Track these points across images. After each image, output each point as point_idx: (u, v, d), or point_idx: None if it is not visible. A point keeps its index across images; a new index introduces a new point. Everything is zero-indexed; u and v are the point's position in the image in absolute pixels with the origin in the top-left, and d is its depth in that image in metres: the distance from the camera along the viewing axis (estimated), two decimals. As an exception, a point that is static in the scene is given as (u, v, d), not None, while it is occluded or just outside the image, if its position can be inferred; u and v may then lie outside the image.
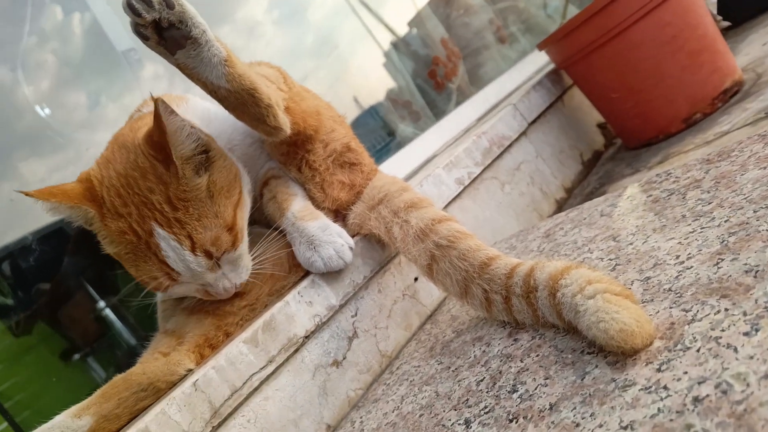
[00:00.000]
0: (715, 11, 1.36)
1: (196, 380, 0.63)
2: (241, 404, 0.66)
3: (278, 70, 0.87)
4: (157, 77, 1.65)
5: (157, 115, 0.65)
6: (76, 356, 1.37)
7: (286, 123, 0.76)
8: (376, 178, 0.94)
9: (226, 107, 0.71)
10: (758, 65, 1.27)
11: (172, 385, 0.69)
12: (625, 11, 1.19)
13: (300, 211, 0.81)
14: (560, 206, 1.35)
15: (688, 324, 0.44)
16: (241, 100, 0.69)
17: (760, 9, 1.57)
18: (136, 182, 0.69)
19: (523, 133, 1.36)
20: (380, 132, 2.10)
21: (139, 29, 0.61)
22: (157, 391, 0.69)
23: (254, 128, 0.76)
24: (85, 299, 1.40)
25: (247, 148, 0.90)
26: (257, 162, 0.92)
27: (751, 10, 1.54)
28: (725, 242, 0.51)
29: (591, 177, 1.44)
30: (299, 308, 0.76)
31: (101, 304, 1.41)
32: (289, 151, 0.86)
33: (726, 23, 1.37)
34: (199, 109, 0.85)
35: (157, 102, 0.64)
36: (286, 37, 2.02)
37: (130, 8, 0.59)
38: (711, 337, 0.40)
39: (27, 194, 0.67)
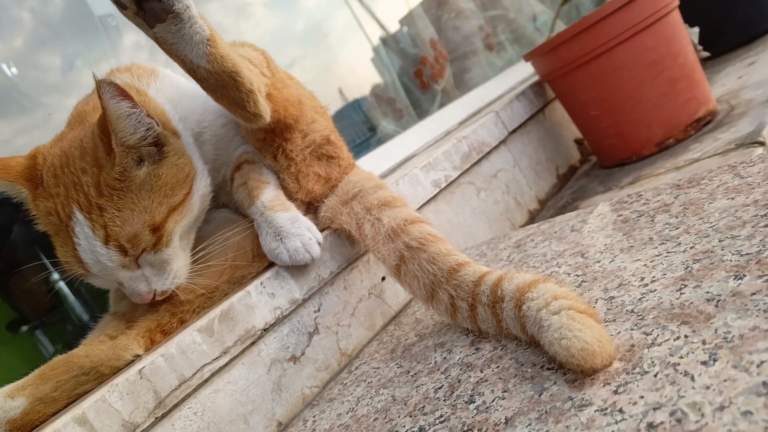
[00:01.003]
0: (696, 41, 1.39)
1: (143, 368, 0.60)
2: (188, 395, 0.64)
3: (262, 53, 0.84)
4: (138, 47, 1.59)
5: (100, 99, 0.62)
6: (24, 328, 1.32)
7: (266, 110, 0.74)
8: (353, 173, 0.92)
9: (204, 88, 0.68)
10: (732, 97, 1.30)
11: (117, 370, 0.66)
12: (610, 32, 1.20)
13: (270, 201, 0.79)
14: (533, 217, 1.36)
15: (648, 348, 0.44)
16: (221, 83, 0.66)
17: (740, 42, 1.62)
18: (73, 161, 0.66)
19: (503, 142, 1.37)
20: (361, 126, 2.09)
21: None
22: (100, 376, 0.65)
23: (232, 113, 0.73)
24: (37, 270, 1.35)
25: (219, 129, 0.87)
26: (230, 144, 0.89)
27: (731, 42, 1.59)
28: (689, 268, 0.51)
29: (565, 191, 1.45)
30: (260, 299, 0.74)
31: (55, 276, 1.36)
32: (266, 137, 0.84)
33: (706, 54, 1.41)
34: (168, 86, 0.81)
35: (100, 85, 0.61)
36: (275, 21, 1.98)
37: None
38: (669, 363, 0.41)
39: None
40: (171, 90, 0.81)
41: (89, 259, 0.66)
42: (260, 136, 0.84)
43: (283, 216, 0.77)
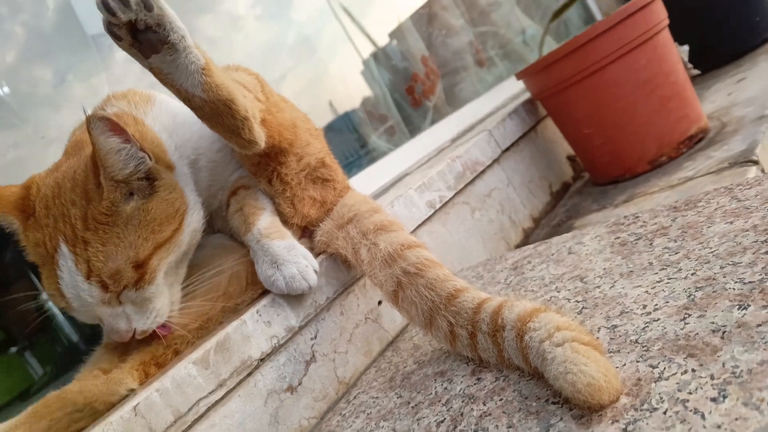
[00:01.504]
0: (687, 59, 1.41)
1: (137, 404, 0.59)
2: None
3: (256, 77, 0.84)
4: (130, 61, 1.59)
5: (89, 134, 0.61)
6: (13, 349, 1.29)
7: (261, 137, 0.73)
8: (348, 196, 0.91)
9: (199, 116, 0.68)
10: (723, 114, 1.31)
11: (112, 406, 0.64)
12: (602, 51, 1.21)
13: (266, 228, 0.78)
14: (527, 236, 1.36)
15: (655, 382, 0.43)
16: (216, 111, 0.66)
17: (729, 58, 1.64)
18: (65, 193, 0.65)
19: (496, 160, 1.37)
20: (352, 139, 2.09)
21: (111, 28, 0.57)
22: (94, 413, 0.64)
23: (227, 140, 0.73)
24: (27, 289, 1.33)
25: (215, 154, 0.86)
26: (226, 170, 0.89)
27: (720, 59, 1.61)
28: (692, 296, 0.51)
29: (558, 209, 1.46)
30: (257, 328, 0.73)
31: (44, 296, 1.34)
32: (260, 162, 0.83)
33: (696, 71, 1.43)
34: (164, 114, 0.81)
35: (89, 121, 0.60)
36: (267, 34, 1.99)
37: (104, 6, 0.55)
38: (678, 399, 0.40)
39: None
40: (167, 117, 0.80)
41: (70, 293, 0.65)
42: (255, 160, 0.83)
43: (279, 244, 0.76)
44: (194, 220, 0.74)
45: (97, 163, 0.64)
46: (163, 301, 0.70)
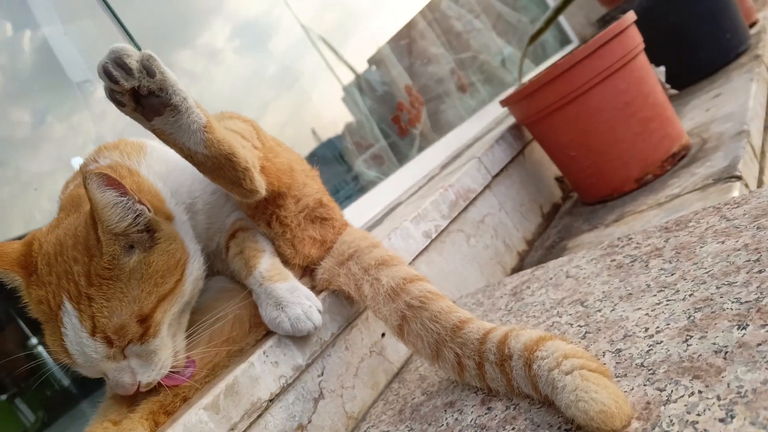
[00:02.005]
0: (663, 79, 1.46)
1: (152, 453, 0.59)
2: (199, 478, 0.62)
3: (251, 123, 0.85)
4: (105, 100, 1.60)
5: (85, 189, 0.62)
6: (3, 396, 1.27)
7: (261, 185, 0.75)
8: (346, 233, 0.93)
9: (201, 171, 0.69)
10: (703, 131, 1.36)
11: None
12: (582, 77, 1.25)
13: (268, 271, 0.79)
14: (522, 259, 1.38)
15: (664, 405, 0.44)
16: (219, 165, 0.67)
17: (703, 76, 1.70)
18: (66, 250, 0.65)
19: (488, 186, 1.40)
20: (337, 165, 2.11)
21: (114, 96, 0.58)
22: None
23: (229, 191, 0.74)
24: (14, 334, 1.31)
25: (210, 196, 0.87)
26: (222, 211, 0.90)
27: (695, 77, 1.67)
28: (692, 318, 0.53)
29: (550, 230, 1.48)
30: (264, 369, 0.73)
31: (33, 340, 1.32)
32: (258, 205, 0.84)
33: (674, 91, 1.48)
34: (157, 162, 0.81)
35: (85, 177, 0.61)
36: (246, 66, 2.02)
37: (107, 74, 0.56)
38: (688, 421, 0.41)
39: None
40: (160, 165, 0.81)
41: (75, 350, 0.64)
42: (252, 204, 0.84)
43: (282, 286, 0.77)
44: (195, 268, 0.75)
45: (94, 219, 0.64)
46: (167, 352, 0.70)
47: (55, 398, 1.32)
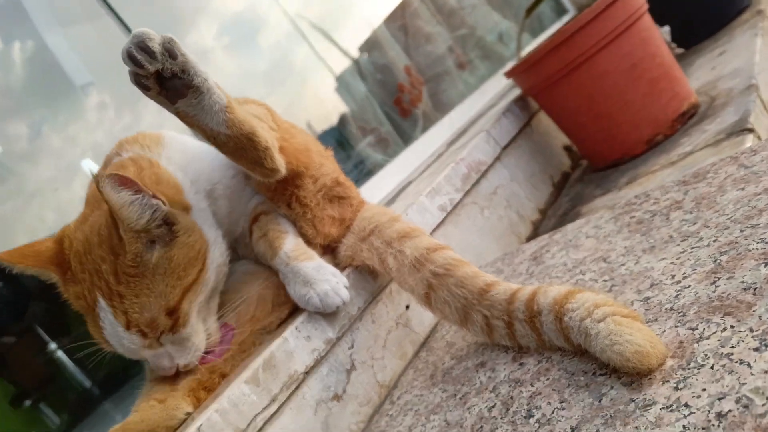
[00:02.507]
0: (669, 39, 1.46)
1: (200, 425, 0.61)
2: (246, 447, 0.65)
3: (266, 107, 0.87)
4: (102, 106, 1.62)
5: (100, 192, 0.64)
6: (27, 402, 1.29)
7: (282, 164, 0.76)
8: (365, 209, 0.94)
9: (223, 152, 0.71)
10: (711, 89, 1.36)
11: (173, 430, 0.67)
12: (587, 42, 1.25)
13: (293, 251, 0.81)
14: (536, 228, 1.39)
15: (697, 342, 0.46)
16: (240, 145, 0.69)
17: (707, 34, 1.70)
18: (94, 249, 0.68)
19: (498, 158, 1.41)
20: (337, 156, 2.13)
21: (140, 80, 0.60)
22: None
23: (251, 171, 0.75)
24: (34, 341, 1.34)
25: (230, 181, 0.88)
26: (243, 195, 0.91)
27: (699, 35, 1.66)
28: (718, 261, 0.54)
29: (562, 198, 1.49)
30: (298, 344, 0.75)
31: (52, 345, 1.35)
32: (277, 187, 0.85)
33: (680, 50, 1.47)
34: (176, 152, 0.83)
35: (98, 181, 0.63)
36: (237, 64, 2.02)
37: (131, 59, 0.57)
38: (722, 353, 0.43)
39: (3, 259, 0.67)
40: (179, 155, 0.83)
41: (114, 341, 0.69)
42: (272, 186, 0.86)
43: (308, 265, 0.79)
44: (217, 255, 0.77)
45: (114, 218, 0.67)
46: (200, 336, 0.74)
47: (78, 400, 1.35)
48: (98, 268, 0.67)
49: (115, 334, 0.68)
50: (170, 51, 0.58)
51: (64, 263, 0.71)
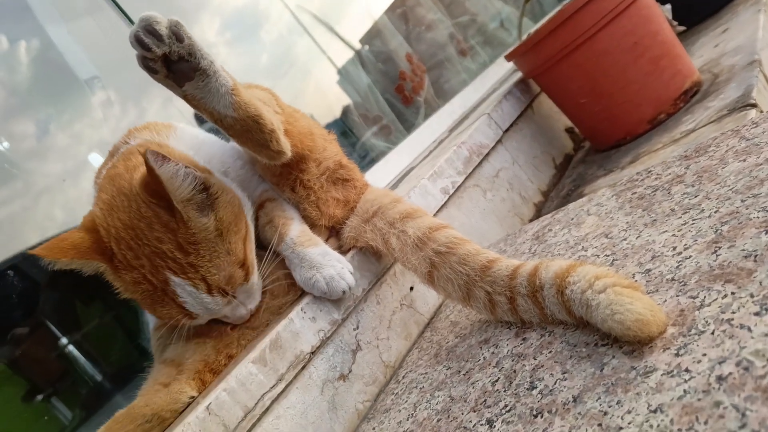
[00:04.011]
0: (670, 17, 1.44)
1: (209, 404, 0.62)
2: (254, 425, 0.66)
3: (270, 92, 0.87)
4: (108, 103, 1.62)
5: (149, 169, 0.65)
6: (39, 397, 1.31)
7: (287, 146, 0.77)
8: (368, 192, 0.95)
9: (230, 135, 0.71)
10: (713, 66, 1.35)
11: (177, 413, 0.68)
12: (587, 21, 1.24)
13: (299, 237, 0.81)
14: (539, 209, 1.39)
15: (698, 309, 0.46)
16: (246, 127, 0.69)
17: (710, 12, 1.68)
18: (144, 233, 0.68)
19: (499, 141, 1.40)
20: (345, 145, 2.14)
21: (147, 63, 0.60)
22: (162, 421, 0.68)
23: (257, 153, 0.76)
24: (45, 336, 1.35)
25: (239, 170, 0.90)
26: (251, 183, 0.92)
27: (701, 13, 1.65)
28: (719, 231, 0.54)
29: (565, 180, 1.49)
30: (303, 324, 0.76)
31: (63, 340, 1.36)
32: (282, 172, 0.86)
33: (681, 28, 1.46)
34: (187, 138, 0.85)
35: (146, 156, 0.64)
36: (240, 58, 2.02)
37: (139, 43, 0.58)
38: (723, 319, 0.43)
39: (37, 254, 0.66)
40: (189, 138, 0.85)
41: (198, 309, 0.71)
42: (277, 171, 0.86)
43: (314, 251, 0.79)
44: (248, 208, 0.81)
45: (158, 194, 0.68)
46: (260, 281, 0.79)
47: (89, 395, 1.36)
48: (158, 250, 0.68)
49: (200, 302, 0.70)
50: (177, 34, 0.59)
51: (107, 251, 0.70)
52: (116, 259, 0.69)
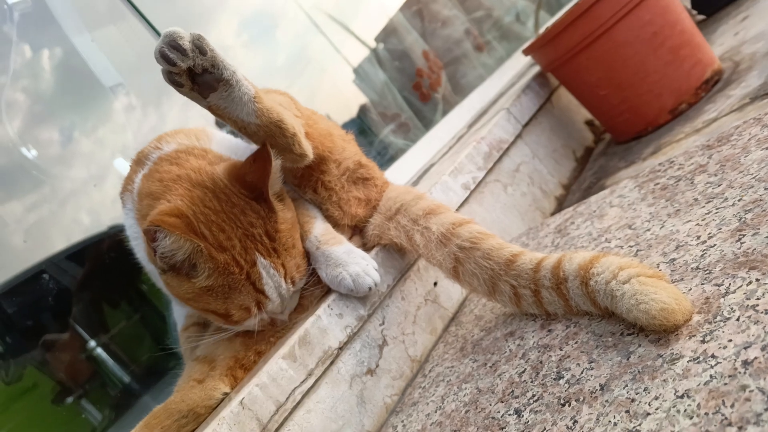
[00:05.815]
0: (689, 6, 1.42)
1: (243, 399, 0.64)
2: (286, 419, 0.68)
3: (288, 96, 0.89)
4: (130, 108, 1.66)
5: (264, 162, 0.73)
6: (70, 399, 1.35)
7: (309, 149, 0.79)
8: (389, 189, 0.96)
9: (254, 141, 0.74)
10: (734, 54, 1.33)
11: (211, 409, 0.71)
12: (605, 13, 1.24)
13: (323, 235, 0.83)
14: (560, 203, 1.39)
15: (723, 297, 0.47)
16: (270, 133, 0.72)
17: (728, 0, 1.65)
18: (238, 218, 0.73)
19: (519, 136, 1.40)
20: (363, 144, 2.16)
21: (173, 77, 0.62)
22: (197, 417, 0.71)
23: (281, 158, 0.78)
24: (74, 340, 1.38)
25: None
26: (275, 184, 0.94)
27: (720, 1, 1.62)
28: (743, 219, 0.54)
29: (586, 173, 1.48)
30: (331, 321, 0.78)
31: (92, 343, 1.40)
32: (303, 174, 0.88)
33: (701, 17, 1.44)
34: (225, 143, 0.88)
35: (266, 151, 0.72)
36: (257, 59, 2.05)
37: (164, 58, 0.60)
38: (748, 306, 0.43)
39: (158, 223, 0.67)
40: (227, 143, 0.88)
41: (274, 293, 0.75)
42: (298, 173, 0.88)
43: (339, 249, 0.81)
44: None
45: (253, 186, 0.74)
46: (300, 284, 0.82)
47: (118, 396, 1.39)
48: (249, 233, 0.73)
49: (278, 286, 0.75)
50: (200, 47, 0.61)
51: (199, 233, 0.72)
52: (208, 240, 0.72)
